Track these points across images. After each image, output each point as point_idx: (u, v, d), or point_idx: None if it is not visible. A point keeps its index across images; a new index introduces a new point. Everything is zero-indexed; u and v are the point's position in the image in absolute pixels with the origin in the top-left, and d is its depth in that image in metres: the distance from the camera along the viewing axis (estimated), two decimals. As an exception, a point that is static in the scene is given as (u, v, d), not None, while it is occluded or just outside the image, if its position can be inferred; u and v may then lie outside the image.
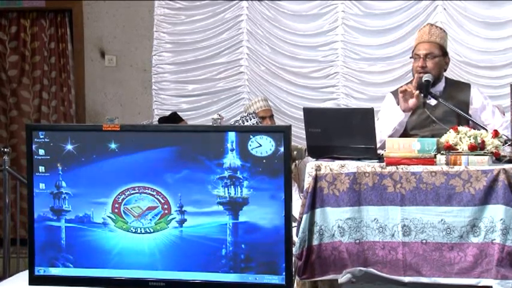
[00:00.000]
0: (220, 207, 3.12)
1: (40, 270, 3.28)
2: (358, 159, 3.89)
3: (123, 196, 3.19)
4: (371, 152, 3.90)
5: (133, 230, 3.20)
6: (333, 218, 3.82)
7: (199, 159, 3.11)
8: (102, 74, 7.12)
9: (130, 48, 7.03)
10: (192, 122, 6.39)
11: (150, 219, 3.19)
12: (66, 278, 3.25)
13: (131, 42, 7.02)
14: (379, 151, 3.97)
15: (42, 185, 3.24)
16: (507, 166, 3.69)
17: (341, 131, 3.91)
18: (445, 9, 6.06)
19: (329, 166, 3.85)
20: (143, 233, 3.20)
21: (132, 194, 3.19)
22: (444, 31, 4.75)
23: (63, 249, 3.24)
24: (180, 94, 6.64)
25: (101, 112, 7.10)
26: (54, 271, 3.27)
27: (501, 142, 3.83)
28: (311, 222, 3.83)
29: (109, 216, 3.20)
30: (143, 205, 3.18)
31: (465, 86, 4.69)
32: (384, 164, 3.81)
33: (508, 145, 3.92)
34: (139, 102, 7.01)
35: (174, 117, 5.97)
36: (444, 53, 4.63)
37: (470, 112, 4.52)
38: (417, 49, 4.62)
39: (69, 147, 3.19)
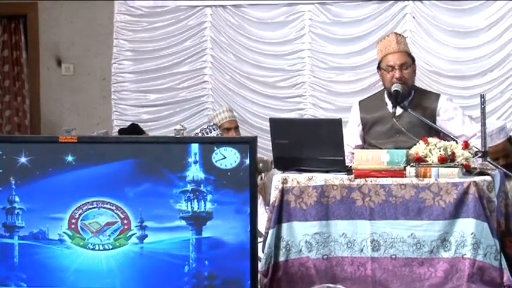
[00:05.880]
0: (183, 222, 3.10)
1: (-9, 290, 3.21)
2: (327, 172, 3.85)
3: (81, 211, 3.15)
4: (339, 164, 3.87)
5: (91, 247, 3.16)
6: (300, 233, 3.79)
7: (161, 172, 3.09)
8: (58, 82, 7.07)
9: (88, 56, 6.98)
10: (153, 133, 6.33)
11: (109, 235, 3.15)
12: (19, 298, 3.21)
13: (90, 50, 6.97)
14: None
15: (-7, 200, 3.20)
16: (478, 179, 3.68)
17: (308, 142, 3.88)
18: (414, 17, 6.07)
19: (296, 179, 3.82)
20: (101, 250, 3.16)
21: (90, 208, 3.15)
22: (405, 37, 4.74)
23: (16, 267, 3.19)
24: (141, 104, 6.58)
25: (58, 123, 7.01)
26: (6, 291, 3.22)
27: (471, 154, 3.80)
28: (277, 238, 3.79)
29: (65, 233, 3.16)
30: (101, 220, 3.15)
31: (434, 96, 4.63)
32: (353, 176, 3.78)
33: (478, 157, 3.88)
34: (98, 113, 6.96)
35: (135, 129, 5.83)
36: (413, 60, 4.58)
37: (438, 124, 4.47)
38: (387, 60, 4.52)
39: (23, 159, 3.15)
